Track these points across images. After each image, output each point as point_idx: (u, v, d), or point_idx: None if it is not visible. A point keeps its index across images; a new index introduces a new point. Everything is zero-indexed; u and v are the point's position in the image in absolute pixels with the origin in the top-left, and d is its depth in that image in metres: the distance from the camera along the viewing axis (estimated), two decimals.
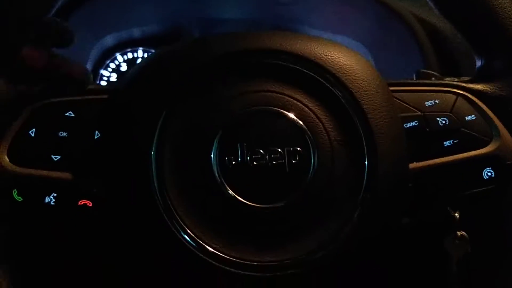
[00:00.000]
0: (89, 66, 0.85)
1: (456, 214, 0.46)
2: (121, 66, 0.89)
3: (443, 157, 0.42)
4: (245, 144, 0.38)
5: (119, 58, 0.89)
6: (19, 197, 0.38)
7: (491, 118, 0.43)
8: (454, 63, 0.69)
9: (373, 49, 0.84)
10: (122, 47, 0.88)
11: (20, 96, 0.41)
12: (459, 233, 0.48)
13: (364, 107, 0.39)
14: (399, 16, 0.74)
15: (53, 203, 0.39)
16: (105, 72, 0.88)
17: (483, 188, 0.42)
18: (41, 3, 0.41)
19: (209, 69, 0.39)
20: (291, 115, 0.39)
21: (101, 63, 0.88)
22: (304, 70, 0.39)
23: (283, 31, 0.42)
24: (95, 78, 0.87)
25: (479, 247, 0.48)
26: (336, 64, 0.40)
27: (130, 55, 0.89)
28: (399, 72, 0.79)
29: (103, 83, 0.88)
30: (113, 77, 0.88)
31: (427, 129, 0.42)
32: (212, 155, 0.38)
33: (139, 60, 0.89)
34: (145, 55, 0.89)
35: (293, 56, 0.40)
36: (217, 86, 0.39)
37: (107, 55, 0.88)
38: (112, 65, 0.88)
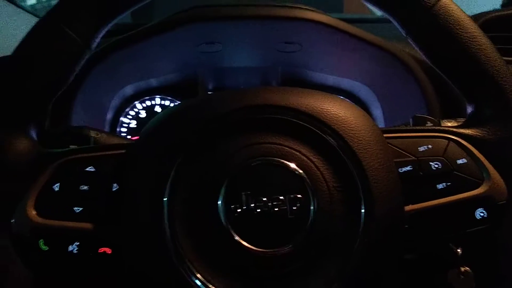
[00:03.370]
0: (110, 114, 0.91)
1: (459, 250, 0.48)
2: (140, 113, 0.94)
3: (436, 199, 0.44)
4: (249, 192, 0.41)
5: (138, 105, 0.94)
6: (45, 247, 0.42)
7: (482, 161, 0.45)
8: (454, 100, 0.72)
9: (377, 90, 0.87)
10: (140, 96, 0.94)
11: (43, 154, 0.45)
12: (463, 269, 0.49)
13: (359, 155, 0.42)
14: (398, 58, 0.77)
15: (76, 252, 0.42)
16: (125, 119, 0.93)
17: (476, 228, 0.44)
18: (63, 65, 0.46)
19: (216, 125, 0.43)
20: (292, 165, 0.42)
21: (122, 110, 0.93)
22: (302, 123, 0.43)
23: (281, 87, 0.46)
24: (116, 125, 0.93)
25: (484, 282, 0.49)
26: (332, 116, 0.43)
27: (148, 103, 0.94)
28: (403, 111, 0.82)
29: (123, 129, 0.93)
30: (133, 124, 0.93)
31: (421, 173, 0.45)
32: (219, 203, 0.41)
33: (156, 107, 0.94)
34: (162, 102, 0.94)
35: (291, 110, 0.43)
36: (223, 139, 0.43)
37: (127, 103, 0.93)
38: (132, 113, 0.94)
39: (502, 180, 0.45)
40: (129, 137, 0.93)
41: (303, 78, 0.93)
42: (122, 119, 0.93)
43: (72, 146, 0.55)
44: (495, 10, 0.80)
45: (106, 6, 0.46)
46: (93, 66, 0.77)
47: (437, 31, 0.47)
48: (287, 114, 0.43)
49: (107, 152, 0.45)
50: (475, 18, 0.77)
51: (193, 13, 0.78)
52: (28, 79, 0.45)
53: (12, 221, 0.43)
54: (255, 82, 0.95)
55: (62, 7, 0.46)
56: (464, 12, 0.47)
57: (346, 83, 0.91)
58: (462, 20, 0.47)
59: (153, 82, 0.92)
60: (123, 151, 0.45)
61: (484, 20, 0.75)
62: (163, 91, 0.94)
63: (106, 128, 0.89)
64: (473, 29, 0.47)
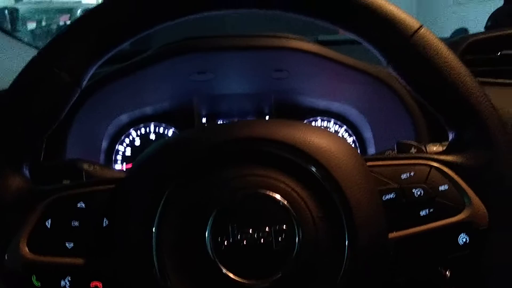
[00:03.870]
0: (105, 142, 0.92)
1: (447, 273, 0.48)
2: (135, 140, 0.96)
3: (420, 226, 0.45)
4: (235, 224, 0.42)
5: (133, 133, 0.96)
6: (38, 282, 0.43)
7: (463, 187, 0.46)
8: (442, 124, 0.74)
9: (367, 113, 0.88)
10: (135, 123, 0.95)
11: (35, 191, 0.46)
12: None
13: (342, 184, 0.43)
14: (385, 83, 0.79)
15: (68, 286, 0.43)
16: (120, 147, 0.95)
17: (459, 254, 0.45)
18: (54, 103, 0.48)
19: (202, 159, 0.44)
20: (277, 196, 0.43)
21: (117, 138, 0.95)
22: (286, 155, 0.44)
23: (265, 120, 0.47)
24: (111, 153, 0.94)
25: None
26: (314, 147, 0.44)
27: (143, 130, 0.96)
28: (393, 133, 0.83)
29: (119, 157, 0.94)
30: (128, 152, 0.95)
31: (404, 200, 0.46)
32: (206, 236, 0.42)
33: (151, 135, 0.96)
34: (157, 129, 0.96)
35: (274, 143, 0.44)
36: (209, 173, 0.44)
37: (122, 131, 0.95)
38: (127, 140, 0.95)
39: (483, 205, 0.46)
40: (124, 164, 0.94)
41: (294, 103, 0.94)
42: (118, 147, 0.94)
43: (65, 181, 0.56)
44: (478, 33, 0.82)
45: (95, 46, 0.47)
46: (87, 97, 0.79)
47: (416, 61, 0.48)
48: (271, 146, 0.44)
49: (97, 187, 0.46)
50: (460, 41, 0.79)
51: (182, 45, 0.80)
52: (20, 119, 0.46)
53: (5, 257, 0.44)
54: (248, 108, 0.96)
55: (52, 48, 0.47)
56: (442, 42, 0.49)
57: (336, 106, 0.93)
58: (440, 50, 0.48)
59: (148, 110, 0.94)
60: (113, 186, 0.46)
61: (468, 43, 0.77)
62: (158, 118, 0.96)
63: (102, 157, 0.90)
64: (451, 59, 0.48)
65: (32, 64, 0.47)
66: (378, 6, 0.47)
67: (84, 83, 0.49)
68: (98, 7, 0.48)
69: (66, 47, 0.47)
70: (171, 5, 0.47)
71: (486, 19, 1.01)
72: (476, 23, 0.84)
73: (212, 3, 0.48)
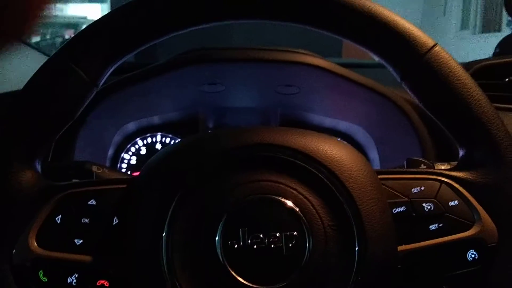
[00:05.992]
0: (111, 150, 0.92)
1: None
2: (141, 150, 0.96)
3: (429, 240, 0.45)
4: (246, 229, 0.42)
5: (139, 142, 0.96)
6: (44, 278, 0.43)
7: (472, 203, 0.46)
8: (448, 144, 0.74)
9: (373, 133, 0.89)
10: (142, 133, 0.96)
11: (47, 186, 0.46)
12: None
13: (354, 194, 0.43)
14: (394, 103, 0.80)
15: (75, 284, 0.43)
16: (126, 156, 0.95)
17: (468, 269, 0.45)
18: (70, 101, 0.48)
19: (214, 163, 0.44)
20: (288, 203, 0.43)
21: (123, 147, 0.95)
22: (299, 162, 0.44)
23: (280, 127, 0.47)
24: (116, 161, 0.94)
25: None
26: (328, 156, 0.44)
27: (149, 140, 0.96)
28: (399, 153, 0.83)
29: (124, 165, 0.95)
30: (133, 160, 0.95)
31: (414, 214, 0.46)
32: (216, 239, 0.41)
33: (157, 145, 0.96)
34: (163, 139, 0.96)
35: (289, 150, 0.44)
36: (221, 177, 0.44)
37: (128, 139, 0.95)
38: (133, 149, 0.95)
39: (492, 222, 0.46)
40: (129, 173, 0.94)
41: (301, 120, 0.95)
42: (123, 155, 0.95)
43: (74, 180, 0.56)
44: (487, 59, 0.83)
45: (115, 45, 0.48)
46: (98, 103, 0.79)
47: (430, 78, 0.48)
48: (285, 153, 0.44)
49: (108, 186, 0.47)
50: (467, 65, 0.80)
51: (197, 55, 0.81)
52: (36, 114, 0.46)
53: (13, 251, 0.44)
54: (255, 122, 0.97)
55: (72, 46, 0.48)
56: (456, 60, 0.49)
57: (343, 125, 0.93)
58: (454, 68, 0.48)
59: (155, 119, 0.95)
60: (125, 185, 0.47)
61: (476, 68, 0.78)
62: (165, 129, 0.96)
63: (107, 164, 0.91)
64: (464, 77, 0.48)
65: (51, 61, 0.48)
66: (394, 22, 0.48)
67: (101, 83, 0.50)
68: (119, 8, 0.48)
69: (86, 45, 0.47)
70: (189, 13, 0.48)
71: (486, 53, 1.03)
72: (476, 58, 0.86)
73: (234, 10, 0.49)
